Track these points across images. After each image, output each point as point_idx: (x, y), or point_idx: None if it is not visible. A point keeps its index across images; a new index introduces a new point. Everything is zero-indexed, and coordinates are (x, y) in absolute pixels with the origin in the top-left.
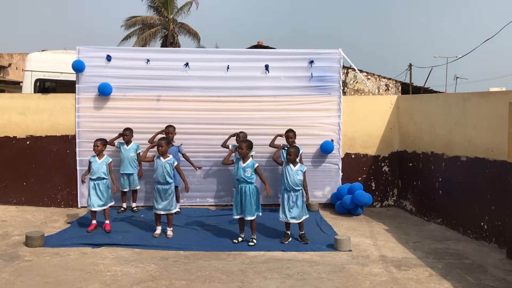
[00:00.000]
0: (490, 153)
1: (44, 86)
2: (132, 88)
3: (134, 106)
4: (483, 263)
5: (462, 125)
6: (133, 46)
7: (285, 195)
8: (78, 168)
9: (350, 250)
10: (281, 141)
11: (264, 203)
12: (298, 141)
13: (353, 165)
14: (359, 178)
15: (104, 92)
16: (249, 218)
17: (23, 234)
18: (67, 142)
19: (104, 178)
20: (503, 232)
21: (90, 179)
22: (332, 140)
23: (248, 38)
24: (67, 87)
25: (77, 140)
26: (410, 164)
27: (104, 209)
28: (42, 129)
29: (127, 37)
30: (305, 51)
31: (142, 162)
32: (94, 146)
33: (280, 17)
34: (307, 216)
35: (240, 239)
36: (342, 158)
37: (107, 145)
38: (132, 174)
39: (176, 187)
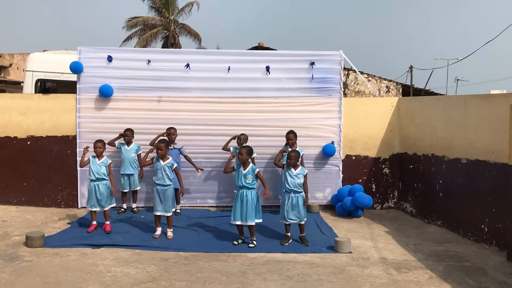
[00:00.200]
0: (490, 156)
1: (45, 87)
2: (133, 89)
3: (135, 107)
4: (483, 266)
5: (462, 128)
6: (134, 47)
7: (286, 197)
8: (78, 168)
9: (350, 252)
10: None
11: (264, 204)
12: (298, 143)
13: (353, 167)
14: (360, 180)
15: (105, 93)
16: (249, 223)
17: (23, 234)
18: (68, 143)
19: (103, 179)
20: (504, 234)
21: (90, 180)
22: (333, 142)
23: (248, 39)
24: (68, 87)
25: (77, 141)
26: (411, 166)
27: (105, 210)
28: (43, 129)
29: (128, 38)
30: (306, 52)
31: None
32: (95, 148)
33: (281, 18)
34: (305, 219)
35: (240, 240)
36: (342, 160)
37: (109, 146)
38: (133, 174)
39: (176, 189)
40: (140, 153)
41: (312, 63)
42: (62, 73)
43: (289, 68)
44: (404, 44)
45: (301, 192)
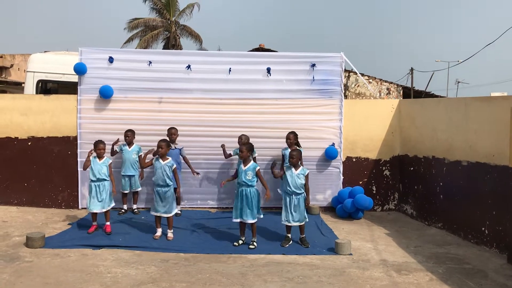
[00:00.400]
0: (491, 158)
1: (46, 87)
2: (134, 90)
3: (136, 108)
4: (483, 268)
5: (463, 130)
6: (135, 48)
7: (287, 198)
8: (79, 169)
9: (351, 254)
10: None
11: (265, 206)
12: (300, 145)
13: (354, 168)
14: (360, 182)
15: (105, 94)
16: (250, 221)
17: (23, 235)
18: (69, 143)
19: (104, 180)
20: (504, 237)
21: (91, 180)
22: (333, 144)
23: (249, 40)
24: (69, 88)
25: (78, 141)
26: (411, 168)
27: (105, 211)
28: (44, 130)
29: (129, 39)
30: (307, 54)
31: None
32: (99, 149)
33: (281, 19)
34: (307, 219)
35: (240, 242)
36: (343, 162)
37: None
38: (133, 175)
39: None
40: (141, 154)
41: (313, 65)
42: (63, 74)
43: (290, 69)
44: (405, 46)
45: (302, 193)
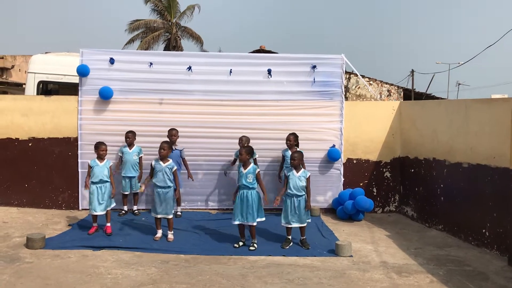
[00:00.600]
0: (492, 160)
1: (47, 88)
2: (135, 91)
3: (136, 109)
4: (484, 270)
5: (464, 132)
6: (136, 50)
7: (288, 200)
8: (79, 170)
9: (351, 256)
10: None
11: (265, 207)
12: (299, 146)
13: (354, 170)
14: (361, 184)
15: (105, 95)
16: (250, 223)
17: (24, 236)
18: (69, 144)
19: (106, 181)
20: (505, 239)
21: (92, 182)
22: (334, 145)
23: (250, 41)
24: (70, 89)
25: (79, 142)
26: (412, 170)
27: (106, 212)
28: (45, 131)
29: (130, 41)
30: (308, 56)
31: (143, 167)
32: (102, 150)
33: (281, 19)
34: (309, 220)
35: (241, 243)
36: (343, 163)
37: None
38: (134, 177)
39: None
40: (141, 156)
41: (314, 67)
42: (64, 75)
43: (290, 71)
44: (405, 48)
45: (303, 195)
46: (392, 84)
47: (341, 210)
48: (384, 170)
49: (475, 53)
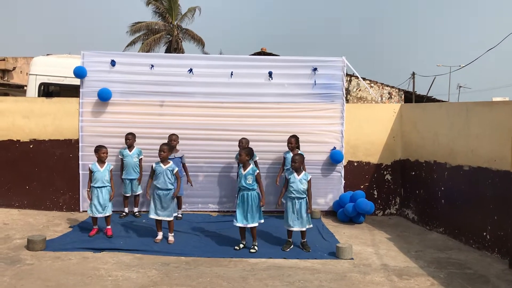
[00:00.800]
0: (493, 163)
1: (48, 90)
2: (136, 93)
3: (137, 111)
4: (485, 273)
5: (465, 135)
6: (138, 52)
7: (289, 203)
8: (80, 172)
9: (352, 258)
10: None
11: (266, 210)
12: (300, 148)
13: (355, 173)
14: (362, 186)
15: (103, 97)
16: (251, 225)
17: (24, 237)
18: (70, 146)
19: (106, 185)
20: (506, 242)
21: (92, 186)
22: (335, 148)
23: (251, 43)
24: (71, 91)
25: (80, 144)
26: (413, 173)
27: (106, 216)
28: (46, 133)
29: (131, 43)
30: (309, 58)
31: (143, 168)
32: (103, 153)
33: (283, 23)
34: (311, 225)
35: (241, 245)
36: (344, 166)
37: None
38: (135, 179)
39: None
40: (141, 158)
41: (315, 69)
42: (66, 77)
43: (291, 73)
44: (406, 50)
45: (305, 197)
46: (393, 87)
47: (341, 213)
48: (385, 172)
49: (476, 55)
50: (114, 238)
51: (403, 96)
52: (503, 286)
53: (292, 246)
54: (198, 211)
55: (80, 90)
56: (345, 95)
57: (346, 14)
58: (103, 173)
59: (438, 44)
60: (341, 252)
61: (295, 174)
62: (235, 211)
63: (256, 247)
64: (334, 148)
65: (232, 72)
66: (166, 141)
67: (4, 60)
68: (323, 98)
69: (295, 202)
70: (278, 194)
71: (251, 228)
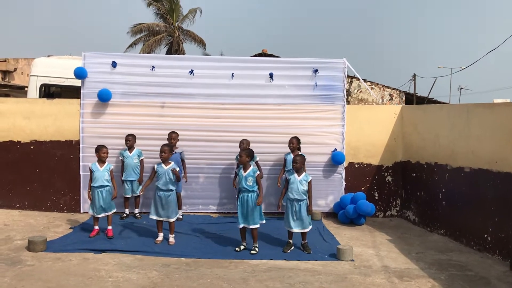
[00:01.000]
0: (494, 165)
1: (49, 91)
2: (137, 94)
3: (138, 112)
4: (486, 275)
5: (466, 136)
6: (139, 53)
7: (289, 204)
8: (81, 173)
9: (353, 260)
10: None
11: (267, 211)
12: (301, 150)
13: (356, 174)
14: (362, 188)
15: (103, 98)
16: (252, 226)
17: (25, 238)
18: (71, 147)
19: (106, 186)
20: (507, 244)
21: (92, 186)
22: (335, 149)
23: (252, 45)
24: (72, 92)
25: (81, 146)
26: (414, 175)
27: (107, 216)
28: (47, 134)
29: (132, 44)
30: (310, 60)
31: (143, 169)
32: (103, 153)
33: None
34: (311, 227)
35: (242, 247)
36: (345, 167)
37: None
38: (135, 180)
39: (178, 194)
40: (142, 159)
41: (316, 71)
42: (67, 78)
43: (292, 75)
44: (407, 52)
45: (305, 199)
46: (394, 88)
47: (342, 214)
48: (386, 174)
49: (478, 57)
50: (114, 239)
51: (404, 98)
52: (504, 287)
53: (292, 248)
54: (198, 212)
55: (81, 91)
56: (346, 97)
57: (347, 14)
58: (102, 172)
59: (439, 46)
60: (342, 253)
61: (295, 175)
62: (236, 213)
63: (256, 249)
64: (335, 149)
65: (233, 73)
66: (167, 141)
67: (5, 61)
68: (324, 99)
69: (294, 203)
70: (279, 195)
71: (252, 229)
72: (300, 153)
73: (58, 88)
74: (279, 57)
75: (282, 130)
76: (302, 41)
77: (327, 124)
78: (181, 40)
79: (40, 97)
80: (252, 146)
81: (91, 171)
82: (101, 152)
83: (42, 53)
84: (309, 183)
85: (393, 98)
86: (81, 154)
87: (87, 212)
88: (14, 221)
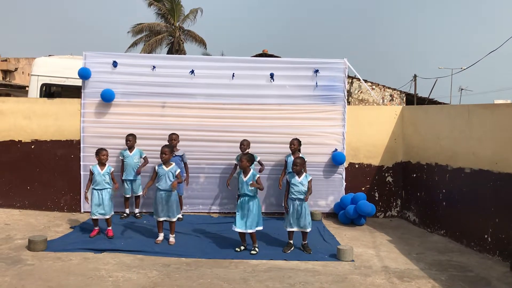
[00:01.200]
0: (494, 166)
1: (50, 91)
2: (138, 94)
3: (139, 112)
4: (486, 276)
5: (466, 137)
6: (140, 53)
7: (290, 205)
8: (82, 173)
9: (353, 260)
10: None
11: (268, 211)
12: (302, 150)
13: (356, 175)
14: (363, 188)
15: (106, 98)
16: (250, 231)
17: (25, 238)
18: (72, 147)
19: (107, 187)
20: (507, 245)
21: (93, 188)
22: (336, 150)
23: (253, 46)
24: (72, 92)
25: (81, 145)
26: (414, 175)
27: (107, 218)
28: (47, 134)
29: (133, 44)
30: (310, 60)
31: (146, 164)
32: (103, 155)
33: (283, 24)
34: (311, 228)
35: (242, 247)
36: (345, 168)
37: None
38: (135, 180)
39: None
40: (145, 156)
41: (316, 71)
42: (67, 77)
43: (293, 75)
44: (408, 53)
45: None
46: (394, 89)
47: (343, 215)
48: (386, 174)
49: (478, 58)
50: (115, 239)
51: (404, 99)
52: None
53: (293, 248)
54: (199, 212)
55: (82, 91)
56: (346, 97)
57: (347, 14)
58: (102, 175)
59: (439, 46)
60: (342, 254)
61: (296, 177)
62: (235, 213)
63: (257, 249)
64: (336, 150)
65: (233, 73)
66: (167, 142)
67: (6, 61)
68: (325, 100)
69: (295, 204)
70: (279, 195)
71: (251, 233)
72: (300, 155)
73: (59, 88)
74: (280, 57)
75: (283, 130)
76: (303, 41)
77: (328, 125)
78: (182, 40)
79: (41, 96)
80: (252, 146)
81: (92, 173)
82: (101, 155)
83: (43, 52)
84: (309, 182)
85: (394, 98)
86: (81, 154)
87: (87, 212)
88: (14, 221)
